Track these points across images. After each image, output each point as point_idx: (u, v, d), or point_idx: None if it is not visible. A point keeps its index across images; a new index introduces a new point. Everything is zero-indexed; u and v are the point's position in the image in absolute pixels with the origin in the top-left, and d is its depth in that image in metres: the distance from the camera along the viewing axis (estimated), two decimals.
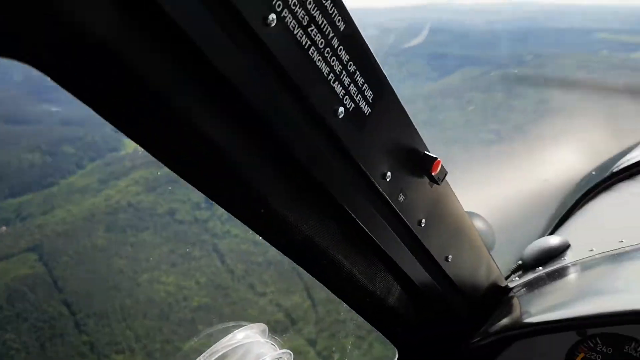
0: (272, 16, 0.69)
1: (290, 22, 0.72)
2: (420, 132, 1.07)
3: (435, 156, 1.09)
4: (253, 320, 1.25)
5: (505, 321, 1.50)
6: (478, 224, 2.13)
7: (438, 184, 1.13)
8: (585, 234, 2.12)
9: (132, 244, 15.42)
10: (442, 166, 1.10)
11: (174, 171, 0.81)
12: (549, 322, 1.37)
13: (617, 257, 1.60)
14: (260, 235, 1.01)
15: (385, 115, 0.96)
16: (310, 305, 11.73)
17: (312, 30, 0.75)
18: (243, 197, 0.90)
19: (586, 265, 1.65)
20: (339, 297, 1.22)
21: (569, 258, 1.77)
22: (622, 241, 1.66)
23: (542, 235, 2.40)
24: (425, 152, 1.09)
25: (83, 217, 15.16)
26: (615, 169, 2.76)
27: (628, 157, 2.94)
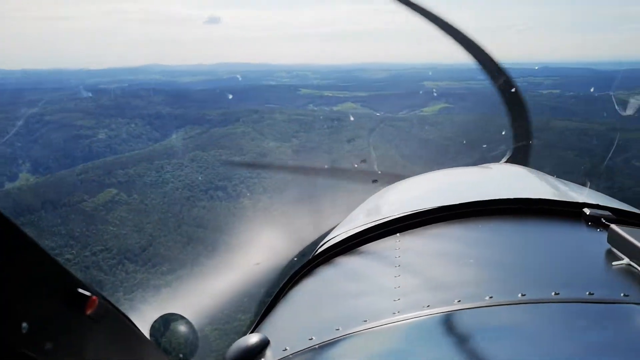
0: None
1: None
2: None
3: (88, 294, 0.96)
4: None
5: None
6: (180, 327, 2.24)
7: (97, 323, 1.02)
8: (284, 328, 2.14)
9: None
10: (99, 302, 0.99)
11: None
12: None
13: (307, 358, 1.65)
14: None
15: (9, 254, 0.80)
16: None
17: None
18: None
19: None
20: None
21: (267, 358, 1.75)
22: (312, 338, 1.70)
23: (250, 329, 2.42)
24: (79, 289, 0.96)
25: None
26: (315, 252, 2.85)
27: (326, 239, 3.10)
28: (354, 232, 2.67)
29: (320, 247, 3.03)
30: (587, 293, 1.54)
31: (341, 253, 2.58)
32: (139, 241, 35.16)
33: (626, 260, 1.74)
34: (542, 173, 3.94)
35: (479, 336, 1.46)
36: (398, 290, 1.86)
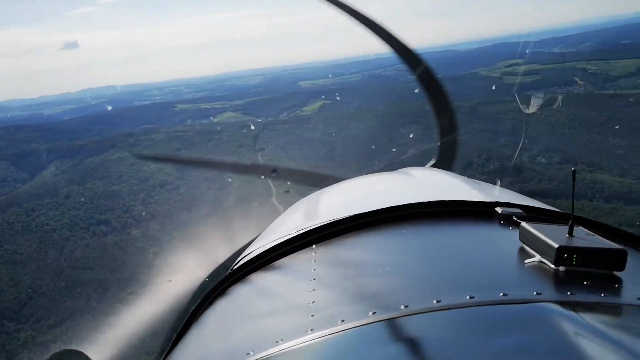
0: None
1: None
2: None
3: None
4: None
5: None
6: None
7: None
8: (194, 356, 2.06)
9: None
10: None
11: None
12: None
13: None
14: None
15: None
16: None
17: None
18: None
19: None
20: None
21: None
22: None
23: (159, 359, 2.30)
24: None
25: None
26: (229, 271, 2.76)
27: (242, 256, 3.02)
28: (269, 247, 2.62)
29: (235, 264, 2.99)
30: (501, 294, 1.56)
31: (256, 270, 2.54)
32: (17, 296, 32.33)
33: (537, 257, 1.78)
34: (454, 174, 4.01)
35: (395, 347, 1.47)
36: (313, 306, 1.83)
